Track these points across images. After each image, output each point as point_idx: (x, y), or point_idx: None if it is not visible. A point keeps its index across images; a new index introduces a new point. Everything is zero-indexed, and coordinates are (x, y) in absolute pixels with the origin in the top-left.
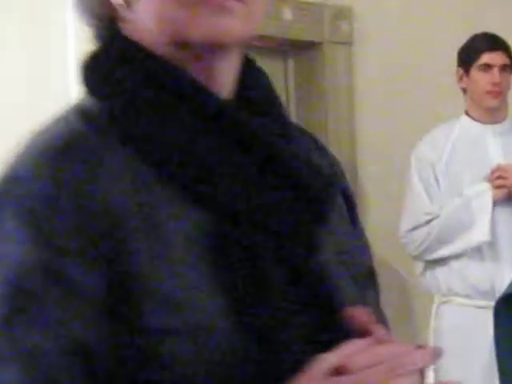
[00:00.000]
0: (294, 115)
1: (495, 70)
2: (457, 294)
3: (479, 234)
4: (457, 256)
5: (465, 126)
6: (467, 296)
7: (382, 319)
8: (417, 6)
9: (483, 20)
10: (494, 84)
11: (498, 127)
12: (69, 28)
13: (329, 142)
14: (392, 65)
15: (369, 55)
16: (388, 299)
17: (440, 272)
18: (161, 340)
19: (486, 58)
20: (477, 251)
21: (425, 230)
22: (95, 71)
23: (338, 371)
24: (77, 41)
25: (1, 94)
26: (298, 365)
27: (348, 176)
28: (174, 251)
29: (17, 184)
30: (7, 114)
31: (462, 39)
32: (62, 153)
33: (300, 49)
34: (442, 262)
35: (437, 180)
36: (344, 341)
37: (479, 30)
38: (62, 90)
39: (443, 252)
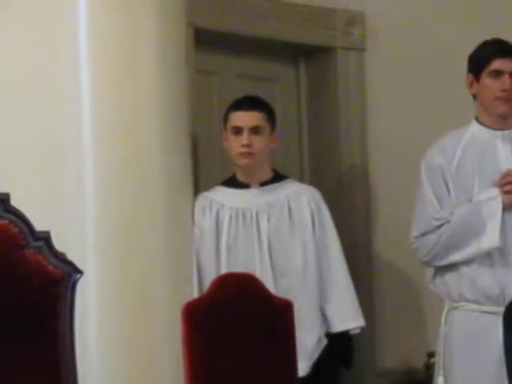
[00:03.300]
0: (305, 121)
1: (505, 77)
2: (467, 300)
3: (489, 239)
4: (467, 262)
5: (475, 131)
6: (477, 302)
7: None
8: (429, 12)
9: (495, 26)
10: (504, 90)
11: (507, 133)
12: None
13: (340, 147)
14: (404, 70)
15: (381, 60)
16: (399, 305)
17: (450, 278)
18: None
19: (497, 64)
20: (487, 257)
21: (435, 235)
22: None
23: None
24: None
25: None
26: None
27: (359, 181)
28: None
29: None
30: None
31: (474, 45)
32: None
33: (312, 54)
34: (451, 268)
35: (447, 186)
36: None
37: (490, 35)
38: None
39: (453, 258)
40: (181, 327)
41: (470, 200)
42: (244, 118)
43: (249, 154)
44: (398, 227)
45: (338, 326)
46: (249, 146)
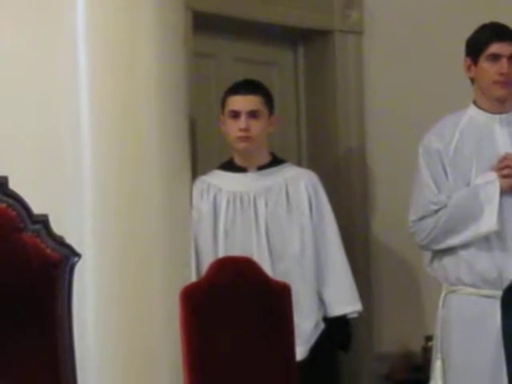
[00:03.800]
0: (303, 104)
1: (503, 60)
2: (464, 284)
3: (487, 223)
4: (465, 246)
5: (472, 115)
6: (475, 285)
7: None
8: None
9: (494, 9)
10: (502, 74)
11: (505, 117)
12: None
13: (338, 130)
14: (401, 53)
15: (378, 43)
16: (397, 289)
17: (448, 262)
18: None
19: (495, 47)
20: (485, 241)
21: (433, 219)
22: None
23: None
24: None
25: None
26: None
27: (357, 165)
28: None
29: None
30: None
31: (473, 28)
32: None
33: (310, 37)
34: (449, 251)
35: (444, 170)
36: None
37: (490, 19)
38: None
39: (451, 242)
40: (179, 311)
41: (468, 184)
42: (242, 102)
43: (246, 138)
44: (395, 211)
45: (336, 311)
46: (246, 129)
